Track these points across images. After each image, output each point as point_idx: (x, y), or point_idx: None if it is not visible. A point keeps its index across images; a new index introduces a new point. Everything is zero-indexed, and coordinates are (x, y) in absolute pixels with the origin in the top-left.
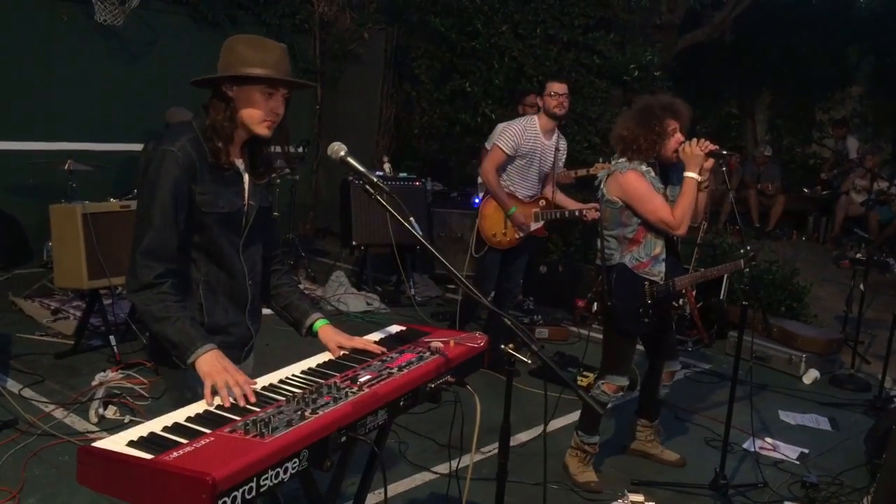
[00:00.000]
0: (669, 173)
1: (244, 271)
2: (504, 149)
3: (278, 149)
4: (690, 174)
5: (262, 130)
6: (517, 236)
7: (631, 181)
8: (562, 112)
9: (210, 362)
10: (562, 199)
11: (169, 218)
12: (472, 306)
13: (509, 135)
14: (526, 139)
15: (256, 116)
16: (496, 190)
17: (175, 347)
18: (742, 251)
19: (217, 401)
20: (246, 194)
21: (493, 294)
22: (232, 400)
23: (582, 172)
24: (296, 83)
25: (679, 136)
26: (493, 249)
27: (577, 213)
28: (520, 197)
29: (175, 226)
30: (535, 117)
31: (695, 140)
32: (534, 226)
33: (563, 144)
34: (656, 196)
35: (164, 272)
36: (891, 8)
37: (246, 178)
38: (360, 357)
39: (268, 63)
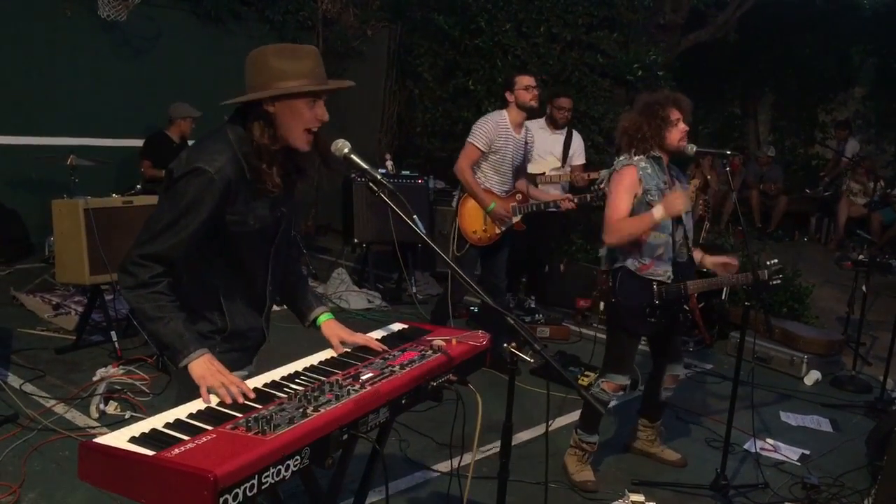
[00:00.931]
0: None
1: (267, 278)
2: (479, 145)
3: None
4: (657, 214)
5: (300, 145)
6: (497, 232)
7: (621, 173)
8: (536, 104)
9: (203, 366)
10: (536, 192)
11: (184, 237)
12: (448, 306)
13: (482, 131)
14: (498, 134)
15: (299, 129)
16: (474, 187)
17: (167, 348)
18: (769, 262)
19: (215, 399)
20: (278, 202)
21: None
22: (232, 398)
23: (594, 175)
24: (339, 88)
25: (683, 126)
26: (472, 246)
27: (551, 205)
28: (496, 192)
29: (188, 244)
30: (505, 112)
31: (682, 195)
32: (514, 220)
33: (576, 140)
34: (625, 200)
35: (161, 272)
36: (894, 9)
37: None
38: (362, 355)
39: (305, 72)
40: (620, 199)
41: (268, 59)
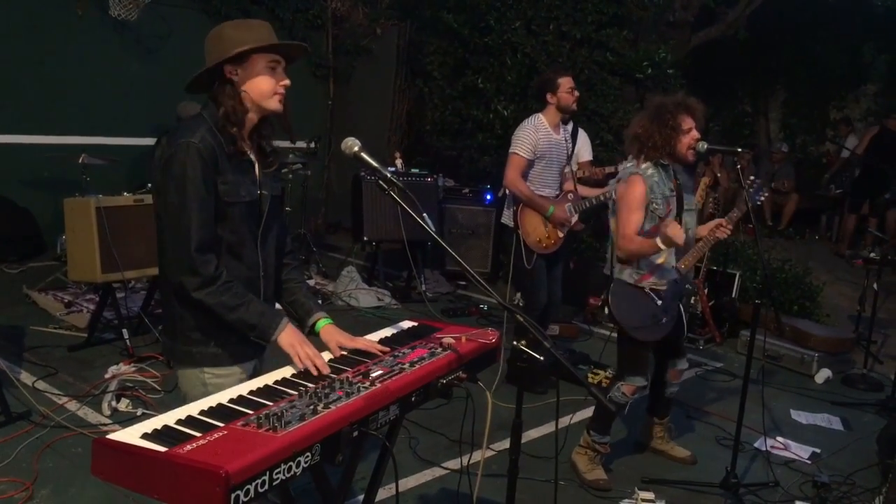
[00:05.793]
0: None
1: (259, 264)
2: (523, 154)
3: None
4: (661, 244)
5: (274, 105)
6: (560, 235)
7: (629, 185)
8: (575, 106)
9: (290, 335)
10: (583, 190)
11: (207, 208)
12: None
13: (524, 139)
14: (539, 138)
15: (266, 90)
16: (529, 196)
17: (254, 329)
18: (751, 178)
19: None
20: (259, 183)
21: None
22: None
23: (611, 169)
24: (294, 46)
25: (694, 134)
26: (540, 256)
27: (602, 198)
28: (548, 197)
29: (212, 215)
30: (541, 115)
31: (678, 228)
32: (573, 220)
33: (581, 136)
34: (636, 212)
35: (217, 262)
36: None
37: (256, 167)
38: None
39: (261, 38)
40: (632, 213)
41: (224, 31)
